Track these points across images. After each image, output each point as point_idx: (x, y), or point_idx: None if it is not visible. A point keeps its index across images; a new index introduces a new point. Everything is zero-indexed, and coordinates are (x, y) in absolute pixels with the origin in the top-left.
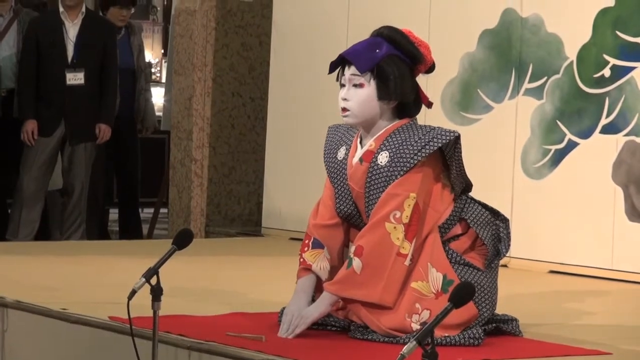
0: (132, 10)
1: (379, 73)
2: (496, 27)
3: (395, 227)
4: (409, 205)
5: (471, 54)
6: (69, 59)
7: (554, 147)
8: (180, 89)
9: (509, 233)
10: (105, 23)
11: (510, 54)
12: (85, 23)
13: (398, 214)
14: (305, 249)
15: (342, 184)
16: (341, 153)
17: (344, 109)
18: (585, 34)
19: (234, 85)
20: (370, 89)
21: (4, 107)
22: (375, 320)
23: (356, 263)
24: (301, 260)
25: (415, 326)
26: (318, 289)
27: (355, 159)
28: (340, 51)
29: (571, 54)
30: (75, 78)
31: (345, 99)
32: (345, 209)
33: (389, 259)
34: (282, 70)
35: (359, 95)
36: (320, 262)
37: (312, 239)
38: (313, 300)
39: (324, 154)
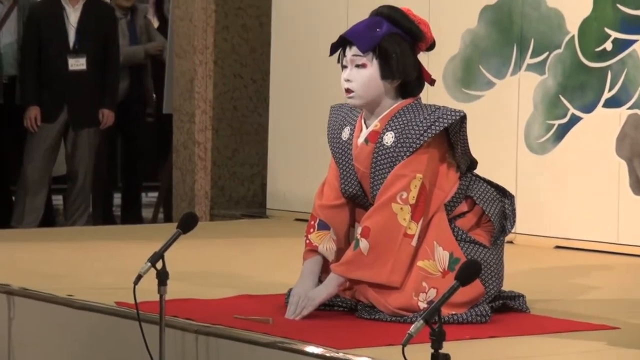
0: None
1: (381, 52)
2: (497, 3)
3: (402, 208)
4: (416, 186)
5: (472, 30)
6: (71, 44)
7: (557, 122)
8: (182, 71)
9: (514, 210)
10: (106, 8)
11: (511, 30)
12: (86, 8)
13: (405, 195)
14: (311, 230)
15: (347, 165)
16: (345, 133)
17: (348, 90)
18: (586, 8)
19: (235, 67)
20: (372, 68)
21: (6, 94)
22: (382, 300)
23: (363, 244)
24: (307, 241)
25: (423, 305)
26: (325, 270)
27: (361, 140)
28: (340, 31)
29: (572, 28)
30: (77, 64)
31: (348, 80)
32: (350, 190)
33: (396, 240)
34: (283, 51)
35: (362, 76)
36: (326, 243)
37: (317, 220)
38: (320, 281)
39: (328, 134)
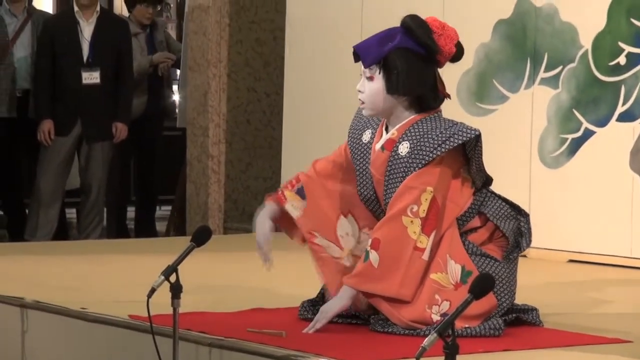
0: (158, 8)
1: (385, 67)
2: (511, 17)
3: (412, 221)
4: (426, 199)
5: (486, 44)
6: (85, 58)
7: (570, 136)
8: (195, 85)
9: (529, 228)
10: (120, 21)
11: (525, 44)
12: (100, 22)
13: (415, 208)
14: (289, 187)
15: (364, 168)
16: (366, 136)
17: (360, 100)
18: (599, 22)
19: (249, 81)
20: (379, 82)
21: (20, 107)
22: (395, 312)
23: (373, 256)
24: (279, 192)
25: (436, 317)
26: (282, 222)
27: (378, 146)
28: (354, 44)
29: (586, 42)
30: (91, 77)
31: (359, 91)
32: (366, 193)
33: (406, 253)
34: (296, 65)
35: (370, 88)
36: (295, 204)
37: (299, 184)
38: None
39: (349, 133)
